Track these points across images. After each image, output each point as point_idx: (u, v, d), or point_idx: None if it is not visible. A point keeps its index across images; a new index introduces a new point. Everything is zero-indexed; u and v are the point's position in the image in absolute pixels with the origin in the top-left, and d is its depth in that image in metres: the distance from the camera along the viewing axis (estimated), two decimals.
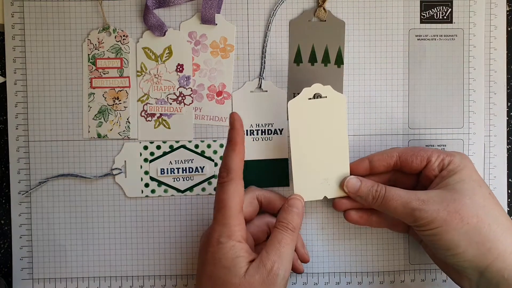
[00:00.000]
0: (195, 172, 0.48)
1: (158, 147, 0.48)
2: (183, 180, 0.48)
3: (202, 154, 0.48)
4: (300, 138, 0.44)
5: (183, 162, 0.48)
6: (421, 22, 0.49)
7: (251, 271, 0.38)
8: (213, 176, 0.48)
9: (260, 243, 0.45)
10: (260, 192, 0.44)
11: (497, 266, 0.38)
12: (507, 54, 0.49)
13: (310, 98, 0.44)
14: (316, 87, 0.43)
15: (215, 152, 0.48)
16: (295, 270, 0.45)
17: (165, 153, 0.48)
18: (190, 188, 0.49)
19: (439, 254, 0.41)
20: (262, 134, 0.48)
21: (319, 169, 0.44)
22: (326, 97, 0.44)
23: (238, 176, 0.40)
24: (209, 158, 0.48)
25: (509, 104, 0.50)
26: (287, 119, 0.44)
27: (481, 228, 0.38)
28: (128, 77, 0.48)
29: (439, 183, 0.41)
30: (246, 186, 0.43)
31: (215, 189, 0.48)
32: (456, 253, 0.39)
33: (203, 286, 0.39)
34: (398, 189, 0.41)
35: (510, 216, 0.50)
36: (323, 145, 0.44)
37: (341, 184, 0.44)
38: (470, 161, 0.42)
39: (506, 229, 0.38)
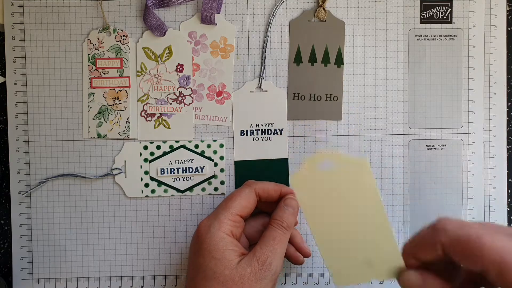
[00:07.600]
0: (195, 172, 0.48)
1: (158, 147, 0.48)
2: (183, 180, 0.48)
3: (202, 154, 0.48)
4: (316, 216, 0.37)
5: (183, 162, 0.48)
6: (421, 22, 0.49)
7: (243, 264, 0.38)
8: (213, 176, 0.48)
9: (255, 243, 0.45)
10: (258, 185, 0.44)
11: None
12: (507, 54, 0.49)
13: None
14: (320, 156, 0.36)
15: (215, 152, 0.48)
16: (295, 261, 0.45)
17: (165, 153, 0.48)
18: (190, 188, 0.48)
19: None
20: (262, 134, 0.48)
21: (355, 249, 0.37)
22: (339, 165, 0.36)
23: (258, 192, 0.43)
24: (209, 158, 0.48)
25: (509, 104, 0.50)
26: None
27: None
28: (128, 77, 0.48)
29: None
30: None
31: (215, 189, 0.48)
32: None
33: (194, 279, 0.39)
34: None
35: (510, 217, 0.50)
36: (351, 220, 0.36)
37: (397, 278, 0.36)
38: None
39: None
